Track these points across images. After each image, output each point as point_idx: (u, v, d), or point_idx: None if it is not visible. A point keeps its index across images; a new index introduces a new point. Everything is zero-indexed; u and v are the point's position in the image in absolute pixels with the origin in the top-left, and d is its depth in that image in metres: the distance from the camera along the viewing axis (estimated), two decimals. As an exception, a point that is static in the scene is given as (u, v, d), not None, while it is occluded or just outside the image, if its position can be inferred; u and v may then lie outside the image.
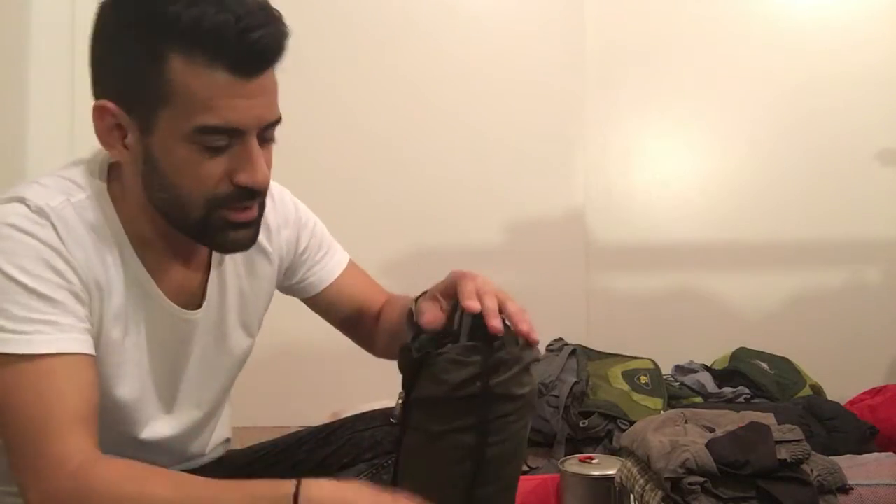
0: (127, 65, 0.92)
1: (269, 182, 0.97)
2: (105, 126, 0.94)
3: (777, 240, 2.48)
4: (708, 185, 2.48)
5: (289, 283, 1.24)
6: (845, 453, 1.59)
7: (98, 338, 0.97)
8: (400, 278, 2.39)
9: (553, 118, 2.44)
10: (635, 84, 2.46)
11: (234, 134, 0.92)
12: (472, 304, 0.94)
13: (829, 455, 1.41)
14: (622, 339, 2.34)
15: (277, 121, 0.97)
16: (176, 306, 1.05)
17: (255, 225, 1.01)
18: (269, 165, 0.98)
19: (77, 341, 0.91)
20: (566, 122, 2.44)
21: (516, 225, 2.42)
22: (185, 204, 0.95)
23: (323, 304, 1.26)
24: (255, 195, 0.97)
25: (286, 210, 1.19)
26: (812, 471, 1.32)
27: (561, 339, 2.32)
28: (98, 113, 0.94)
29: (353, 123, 2.31)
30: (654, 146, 2.48)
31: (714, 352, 2.33)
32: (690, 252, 2.48)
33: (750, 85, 2.47)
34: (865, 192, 2.47)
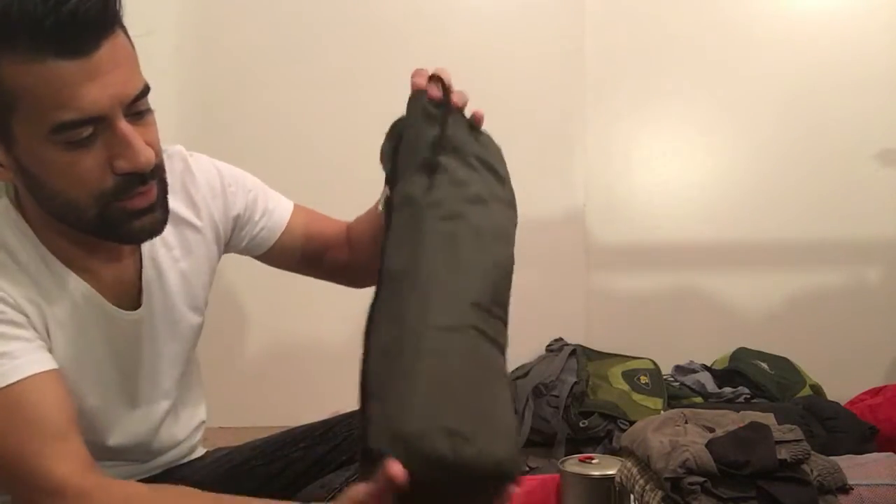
0: None
1: (153, 160, 0.89)
2: None
3: (777, 240, 2.48)
4: (708, 185, 2.48)
5: (238, 247, 1.20)
6: (845, 453, 1.59)
7: (55, 351, 0.95)
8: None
9: (553, 118, 2.44)
10: (635, 84, 2.45)
11: (97, 122, 0.84)
12: (418, 81, 0.94)
13: (829, 455, 1.41)
14: (622, 339, 2.34)
15: (143, 92, 0.88)
16: (117, 308, 1.02)
17: (158, 207, 0.94)
18: (153, 139, 0.91)
19: (33, 362, 0.89)
20: (566, 122, 2.44)
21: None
22: (75, 207, 0.89)
23: (279, 254, 1.21)
24: (145, 178, 0.89)
25: (209, 178, 1.13)
26: (812, 471, 1.32)
27: (561, 339, 2.32)
28: None
29: (352, 123, 2.31)
30: (654, 146, 2.48)
31: (714, 352, 2.33)
32: (690, 252, 2.48)
33: (750, 85, 2.47)
34: (865, 192, 2.47)
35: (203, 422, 1.26)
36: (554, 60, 2.44)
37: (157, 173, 0.92)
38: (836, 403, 2.02)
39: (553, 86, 2.45)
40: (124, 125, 0.86)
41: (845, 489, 1.34)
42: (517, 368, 2.21)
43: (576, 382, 2.04)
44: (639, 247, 2.46)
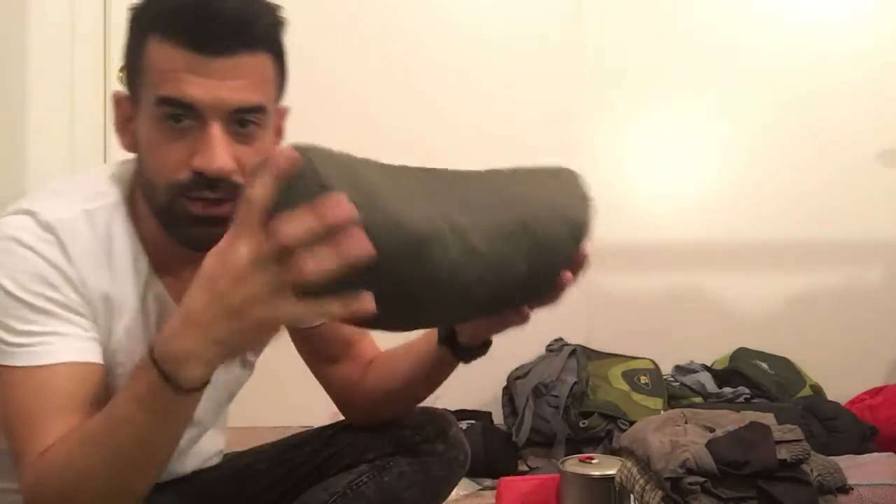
0: (127, 54, 0.95)
1: (226, 169, 0.90)
2: (118, 116, 0.97)
3: (777, 240, 2.48)
4: (708, 186, 2.48)
5: None
6: (845, 453, 1.59)
7: (105, 348, 0.97)
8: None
9: (553, 118, 2.44)
10: (636, 85, 2.46)
11: (193, 113, 0.89)
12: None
13: (829, 455, 1.41)
14: (622, 339, 2.34)
15: (252, 108, 0.91)
16: None
17: (226, 224, 0.87)
18: (245, 157, 0.91)
19: (78, 350, 0.91)
20: (566, 122, 2.44)
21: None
22: (153, 188, 0.94)
23: (300, 345, 1.22)
24: (215, 185, 0.90)
25: None
26: (812, 471, 1.32)
27: (561, 339, 2.32)
28: (114, 103, 0.97)
29: (353, 124, 2.31)
30: (654, 146, 2.48)
31: (714, 352, 2.34)
32: (690, 252, 2.48)
33: (750, 85, 2.47)
34: (865, 193, 2.47)
35: (221, 451, 1.25)
36: (554, 61, 2.45)
37: (232, 191, 0.91)
38: (836, 403, 2.02)
39: (553, 86, 2.45)
40: (216, 128, 0.90)
41: (845, 489, 1.34)
42: (517, 368, 2.21)
43: (576, 382, 2.04)
44: (639, 247, 2.46)
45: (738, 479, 1.28)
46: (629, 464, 1.42)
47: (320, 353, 1.23)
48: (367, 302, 0.69)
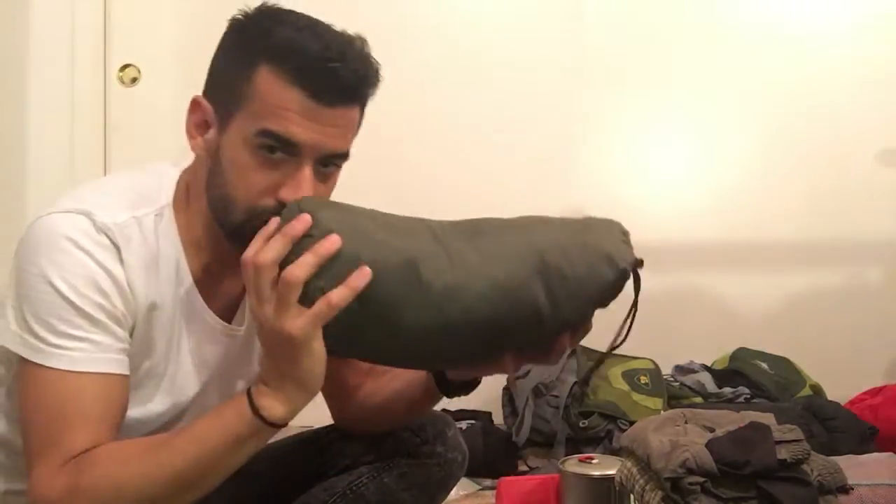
0: (227, 68, 0.99)
1: None
2: (194, 119, 1.00)
3: (777, 240, 2.48)
4: (708, 186, 2.48)
5: None
6: (845, 453, 1.59)
7: (143, 354, 0.99)
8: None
9: (553, 119, 2.44)
10: (635, 84, 2.46)
11: (291, 149, 0.94)
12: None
13: (829, 455, 1.41)
14: (622, 339, 2.34)
15: (341, 155, 0.99)
16: (220, 320, 1.06)
17: None
18: (322, 196, 0.99)
19: (114, 361, 0.94)
20: (566, 122, 2.44)
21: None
22: (230, 204, 0.97)
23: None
24: None
25: None
26: (812, 471, 1.32)
27: (561, 339, 2.31)
28: (192, 106, 1.00)
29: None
30: (653, 146, 2.48)
31: (714, 352, 2.33)
32: (690, 252, 2.48)
33: (750, 85, 2.47)
34: (865, 192, 2.47)
35: None
36: (554, 61, 2.45)
37: None
38: (836, 403, 2.02)
39: (553, 86, 2.45)
40: (308, 168, 0.96)
41: (845, 489, 1.34)
42: (517, 368, 2.20)
43: (576, 382, 2.04)
44: (639, 247, 2.45)
45: (738, 479, 1.28)
46: (629, 464, 1.42)
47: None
48: (363, 276, 0.87)
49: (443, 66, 2.42)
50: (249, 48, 0.96)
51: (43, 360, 0.91)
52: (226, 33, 1.00)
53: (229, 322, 1.08)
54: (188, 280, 1.02)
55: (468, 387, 1.10)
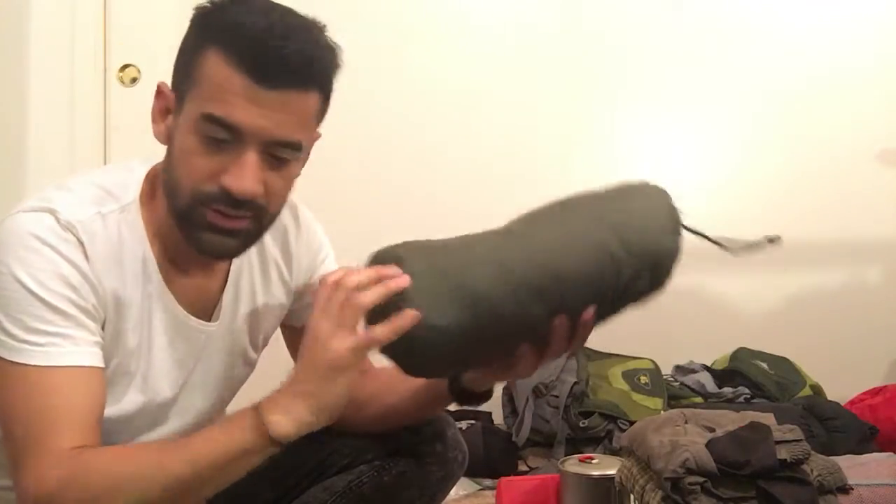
0: (184, 53, 0.97)
1: (252, 194, 0.94)
2: (158, 105, 0.99)
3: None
4: (707, 185, 2.48)
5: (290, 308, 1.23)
6: (845, 453, 1.59)
7: (114, 350, 0.99)
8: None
9: (553, 119, 2.44)
10: (634, 84, 2.45)
11: (235, 134, 0.92)
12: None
13: (829, 455, 1.41)
14: (622, 339, 2.34)
15: (291, 144, 0.95)
16: (191, 317, 1.05)
17: (239, 236, 0.99)
18: (275, 186, 0.97)
19: (89, 354, 0.94)
20: (566, 122, 2.44)
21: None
22: (176, 190, 0.96)
23: (300, 342, 1.25)
24: (238, 204, 0.95)
25: (310, 240, 1.18)
26: (812, 471, 1.32)
27: (561, 339, 2.31)
28: (157, 93, 0.99)
29: (358, 125, 2.31)
30: (653, 145, 2.48)
31: (714, 352, 2.33)
32: (690, 252, 2.47)
33: (750, 84, 2.46)
34: (865, 192, 2.47)
35: None
36: (554, 61, 2.44)
37: (254, 210, 0.97)
38: (836, 403, 2.02)
39: (553, 86, 2.45)
40: (252, 154, 0.93)
41: (845, 489, 1.34)
42: (517, 368, 2.20)
43: (576, 382, 2.04)
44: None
45: (738, 479, 1.28)
46: (629, 464, 1.42)
47: None
48: (407, 318, 0.89)
49: (441, 67, 2.42)
50: (203, 31, 0.95)
51: (18, 358, 0.90)
52: (191, 17, 0.98)
53: (207, 319, 1.08)
54: (156, 275, 1.01)
55: (482, 397, 1.10)
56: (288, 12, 0.95)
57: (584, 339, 1.01)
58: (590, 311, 0.97)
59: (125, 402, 1.02)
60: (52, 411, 0.89)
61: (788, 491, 1.27)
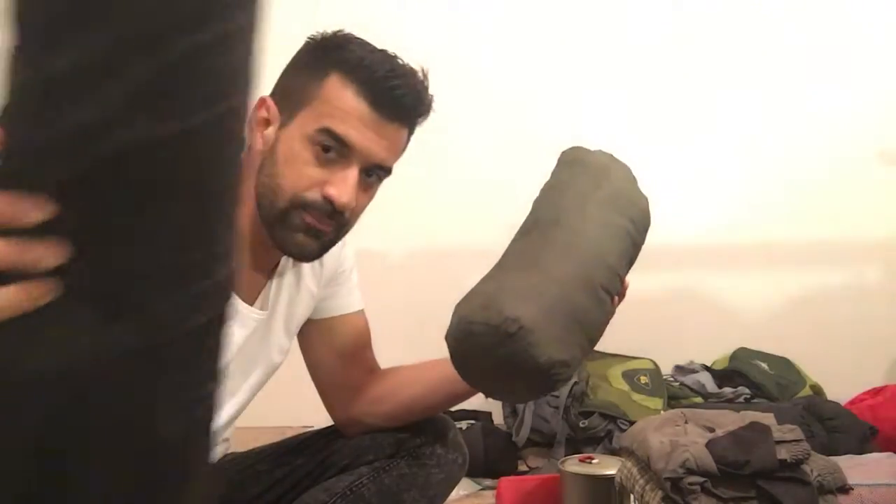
0: (298, 74, 1.10)
1: (347, 206, 1.06)
2: (257, 115, 1.08)
3: (777, 240, 2.48)
4: (707, 185, 2.48)
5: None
6: (845, 453, 1.59)
7: None
8: (403, 276, 2.40)
9: (553, 119, 2.44)
10: (635, 85, 2.46)
11: (345, 150, 1.05)
12: None
13: (829, 455, 1.41)
14: (622, 339, 2.34)
15: (384, 168, 1.10)
16: (246, 305, 1.12)
17: (323, 239, 1.09)
18: (361, 203, 1.10)
19: None
20: (566, 122, 2.44)
21: (518, 226, 2.43)
22: (277, 192, 1.05)
23: (316, 335, 1.29)
24: (334, 213, 1.06)
25: (336, 252, 1.24)
26: (812, 471, 1.32)
27: (561, 340, 2.31)
28: (258, 103, 1.09)
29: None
30: (652, 146, 2.48)
31: (714, 352, 2.33)
32: (690, 252, 2.48)
33: (750, 84, 2.47)
34: (865, 192, 2.47)
35: (226, 439, 1.26)
36: (554, 62, 2.45)
37: (341, 221, 1.09)
38: (836, 403, 2.02)
39: (553, 87, 2.45)
40: (354, 171, 1.07)
41: (845, 489, 1.34)
42: (517, 368, 2.20)
43: (576, 382, 2.04)
44: (639, 247, 2.46)
45: (738, 479, 1.28)
46: (629, 464, 1.42)
47: (326, 355, 1.27)
48: None
49: (441, 67, 2.42)
50: (323, 58, 1.08)
51: None
52: (301, 48, 1.11)
53: (252, 305, 1.14)
54: None
55: None
56: (395, 56, 1.10)
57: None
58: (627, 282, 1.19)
59: None
60: None
61: (788, 491, 1.27)
